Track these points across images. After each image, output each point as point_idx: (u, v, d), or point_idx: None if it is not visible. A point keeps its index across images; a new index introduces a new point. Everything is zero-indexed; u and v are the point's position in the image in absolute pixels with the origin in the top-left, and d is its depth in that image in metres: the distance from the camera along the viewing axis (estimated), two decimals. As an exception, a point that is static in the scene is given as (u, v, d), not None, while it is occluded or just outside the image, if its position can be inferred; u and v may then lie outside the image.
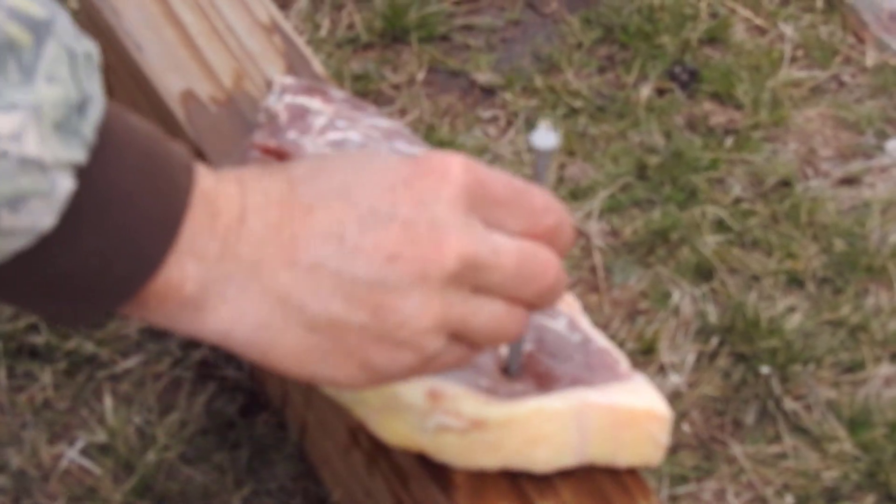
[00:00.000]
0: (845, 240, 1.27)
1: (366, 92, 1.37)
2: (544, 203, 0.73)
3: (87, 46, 0.64)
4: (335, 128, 1.00)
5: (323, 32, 1.42)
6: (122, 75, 1.14)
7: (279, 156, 0.99)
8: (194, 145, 1.05)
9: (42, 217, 0.62)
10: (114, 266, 0.65)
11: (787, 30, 1.50)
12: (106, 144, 0.64)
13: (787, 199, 1.31)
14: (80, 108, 0.62)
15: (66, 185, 0.62)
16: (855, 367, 1.17)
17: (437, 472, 0.84)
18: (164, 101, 1.08)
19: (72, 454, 1.04)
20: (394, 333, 0.70)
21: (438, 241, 0.69)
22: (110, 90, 1.18)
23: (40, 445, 1.04)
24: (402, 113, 1.37)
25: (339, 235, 0.69)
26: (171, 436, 1.04)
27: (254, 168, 0.72)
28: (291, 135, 1.00)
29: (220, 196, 0.68)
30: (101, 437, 1.04)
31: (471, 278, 0.71)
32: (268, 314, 0.69)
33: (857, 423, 1.12)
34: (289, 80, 1.05)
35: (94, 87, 0.63)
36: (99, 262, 0.65)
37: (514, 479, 0.84)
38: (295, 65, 1.11)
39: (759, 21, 1.51)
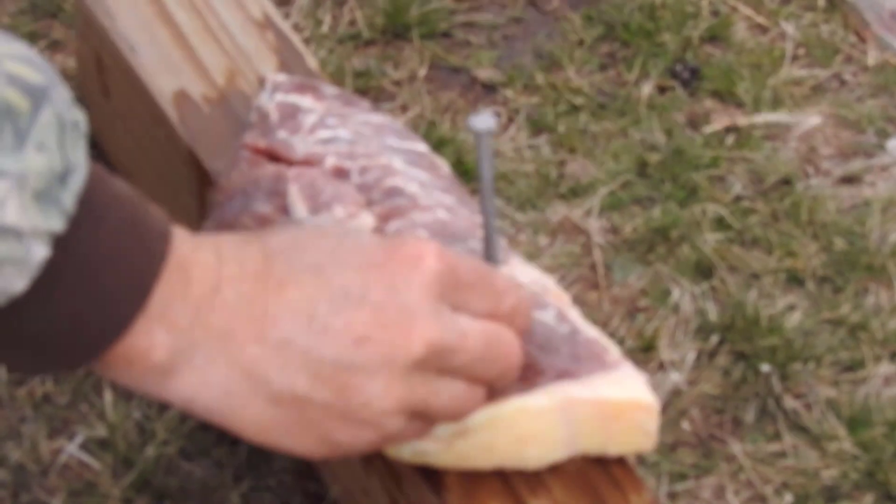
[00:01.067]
0: (845, 238, 1.27)
1: (367, 88, 1.37)
2: (505, 285, 0.76)
3: (76, 115, 0.65)
4: (325, 126, 1.00)
5: (324, 28, 1.42)
6: (117, 77, 1.14)
7: (270, 156, 0.99)
8: (187, 146, 1.05)
9: (13, 281, 0.62)
10: (82, 328, 0.66)
11: (789, 28, 1.50)
12: (85, 213, 0.65)
13: (788, 198, 1.30)
14: (63, 177, 0.63)
15: (40, 252, 0.63)
16: (855, 365, 1.17)
17: (428, 472, 0.84)
18: (158, 102, 1.08)
19: (71, 449, 1.04)
20: (356, 413, 0.72)
21: (407, 327, 0.70)
22: (106, 91, 1.18)
23: (40, 440, 1.04)
24: (403, 109, 1.37)
25: (310, 314, 0.70)
26: (170, 431, 1.04)
27: (231, 236, 0.73)
28: (282, 134, 0.99)
29: (195, 265, 0.69)
30: (100, 431, 1.04)
31: (436, 362, 0.72)
32: (234, 385, 0.70)
33: (856, 422, 1.12)
34: (281, 78, 1.05)
35: (79, 157, 0.64)
36: (67, 323, 0.66)
37: (506, 478, 0.84)
38: (288, 61, 1.11)
39: (760, 19, 1.51)
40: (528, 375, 0.84)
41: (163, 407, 1.06)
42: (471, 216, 0.97)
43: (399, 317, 0.70)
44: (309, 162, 0.97)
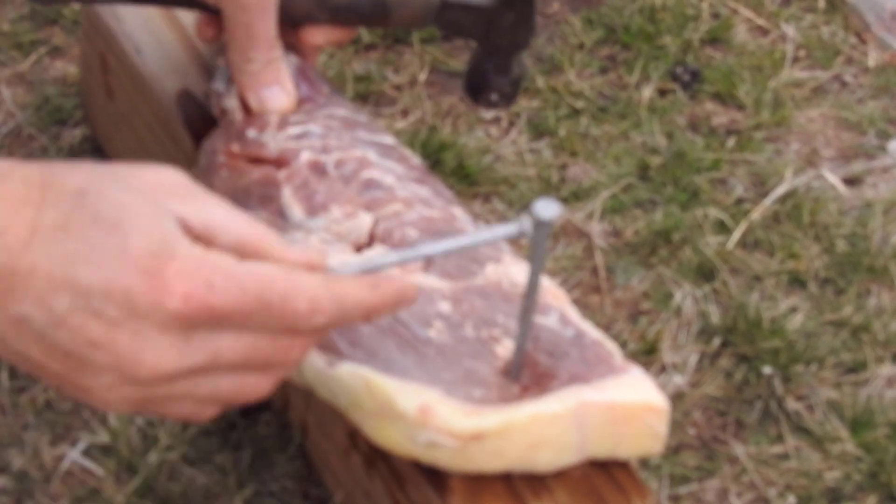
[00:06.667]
0: (847, 240, 1.27)
1: (367, 93, 1.37)
2: (303, 310, 0.74)
3: None
4: (292, 122, 1.00)
5: (325, 33, 1.42)
6: (122, 78, 1.14)
7: (248, 159, 0.99)
8: (192, 147, 1.05)
9: None
10: None
11: (789, 30, 1.50)
12: None
13: (789, 200, 1.31)
14: None
15: None
16: (857, 367, 1.17)
17: (433, 475, 0.84)
18: (163, 102, 1.08)
19: (74, 455, 1.04)
20: (80, 391, 0.73)
21: (136, 353, 0.71)
22: (110, 93, 1.18)
23: (42, 446, 1.04)
24: (404, 114, 1.37)
25: (50, 305, 0.70)
26: (173, 437, 1.04)
27: (5, 203, 0.71)
28: (251, 133, 0.99)
29: None
30: (103, 437, 1.04)
31: (173, 384, 0.73)
32: None
33: (859, 424, 1.12)
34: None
35: None
36: None
37: (510, 482, 0.84)
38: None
39: (760, 21, 1.51)
40: (541, 381, 0.84)
41: (165, 413, 1.06)
42: (446, 206, 0.97)
43: (130, 341, 0.71)
44: (284, 159, 0.97)
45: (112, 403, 0.73)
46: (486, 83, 0.99)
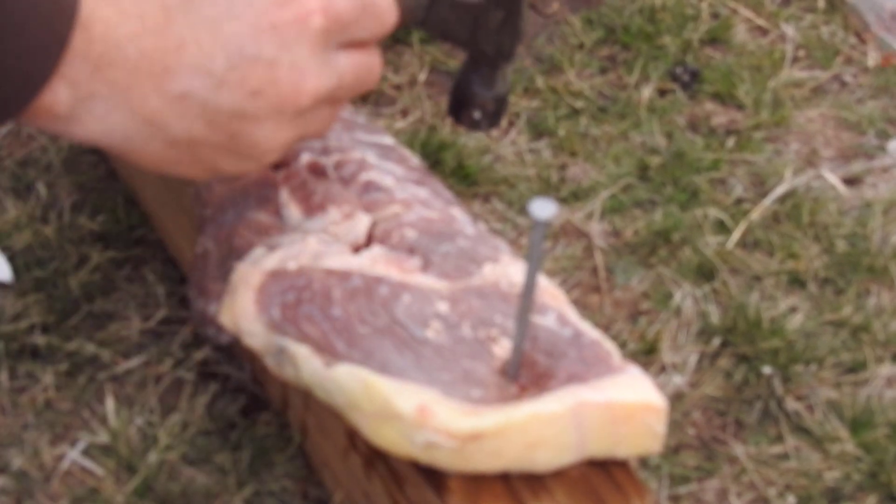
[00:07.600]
0: (847, 240, 1.27)
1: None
2: (387, 6, 0.83)
3: None
4: None
5: (325, 33, 1.42)
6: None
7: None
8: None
9: None
10: None
11: (789, 30, 1.50)
12: None
13: (789, 200, 1.30)
14: None
15: None
16: (857, 367, 1.17)
17: (431, 475, 0.84)
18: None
19: (74, 455, 1.04)
20: (244, 151, 0.80)
21: (296, 82, 0.78)
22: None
23: (42, 446, 1.04)
24: (404, 114, 1.37)
25: (208, 70, 0.75)
26: (172, 436, 1.04)
27: None
28: None
29: (96, 22, 0.73)
30: (102, 437, 1.04)
31: (322, 106, 0.81)
32: (133, 131, 0.76)
33: (858, 424, 1.12)
34: None
35: None
36: None
37: (508, 482, 0.84)
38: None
39: (760, 21, 1.51)
40: (539, 381, 0.84)
41: (165, 412, 1.06)
42: (446, 207, 0.97)
43: (289, 73, 0.77)
44: (283, 160, 0.97)
45: (276, 150, 0.80)
46: (470, 97, 1.00)
